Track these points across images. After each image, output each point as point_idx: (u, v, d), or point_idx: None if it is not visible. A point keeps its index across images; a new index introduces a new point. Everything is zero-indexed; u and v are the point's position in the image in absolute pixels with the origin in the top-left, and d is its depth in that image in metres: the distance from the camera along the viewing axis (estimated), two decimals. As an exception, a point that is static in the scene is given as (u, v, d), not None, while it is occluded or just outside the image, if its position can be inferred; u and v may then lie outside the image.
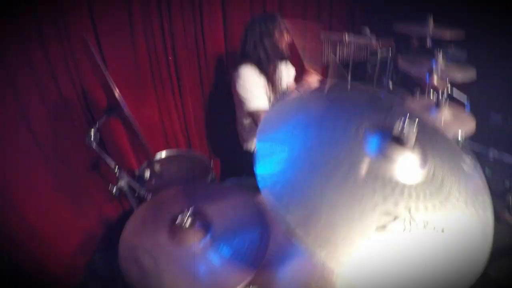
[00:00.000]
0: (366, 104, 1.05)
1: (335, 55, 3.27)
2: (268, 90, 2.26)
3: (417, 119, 0.80)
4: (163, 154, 2.21)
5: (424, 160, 0.84)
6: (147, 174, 1.87)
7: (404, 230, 0.70)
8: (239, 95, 2.16)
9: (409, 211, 0.73)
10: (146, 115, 2.29)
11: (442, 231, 0.74)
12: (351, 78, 3.31)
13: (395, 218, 0.71)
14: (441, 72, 2.13)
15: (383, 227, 0.70)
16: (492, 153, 2.39)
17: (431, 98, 2.11)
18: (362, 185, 0.75)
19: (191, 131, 2.60)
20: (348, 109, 1.01)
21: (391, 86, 2.82)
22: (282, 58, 2.31)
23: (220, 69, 2.66)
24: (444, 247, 0.73)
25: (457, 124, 1.73)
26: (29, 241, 1.75)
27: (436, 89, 2.09)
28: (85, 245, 2.07)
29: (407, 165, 0.80)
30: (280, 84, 2.35)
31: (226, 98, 2.55)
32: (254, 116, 2.15)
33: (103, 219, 2.21)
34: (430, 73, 2.04)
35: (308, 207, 0.71)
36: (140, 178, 1.94)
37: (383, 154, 0.81)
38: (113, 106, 1.53)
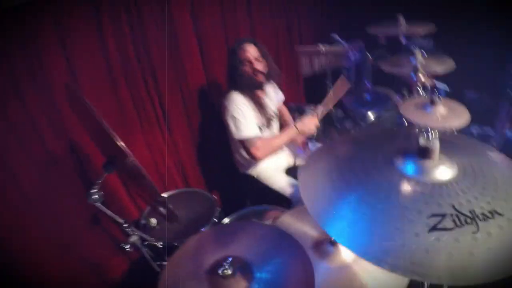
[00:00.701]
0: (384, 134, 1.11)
1: (313, 66, 3.32)
2: (258, 116, 2.25)
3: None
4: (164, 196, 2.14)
5: (452, 162, 0.93)
6: (154, 221, 1.80)
7: (455, 225, 0.76)
8: (228, 124, 2.15)
9: (453, 207, 0.79)
10: (137, 156, 2.19)
11: (493, 215, 0.78)
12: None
13: (443, 216, 0.77)
14: (423, 68, 2.17)
15: (434, 227, 0.75)
16: (475, 130, 2.45)
17: (422, 95, 2.14)
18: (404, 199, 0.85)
19: (185, 166, 2.54)
20: (370, 143, 1.08)
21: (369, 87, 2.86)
22: (255, 85, 2.26)
23: (204, 98, 2.64)
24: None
25: (453, 117, 1.75)
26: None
27: (424, 86, 2.13)
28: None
29: (439, 170, 0.90)
30: (268, 109, 2.35)
31: (215, 127, 2.52)
32: (245, 145, 2.13)
33: (114, 275, 2.11)
34: (416, 71, 2.07)
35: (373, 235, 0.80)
36: (145, 227, 1.87)
37: (417, 171, 0.91)
38: (113, 159, 1.46)
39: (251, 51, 2.19)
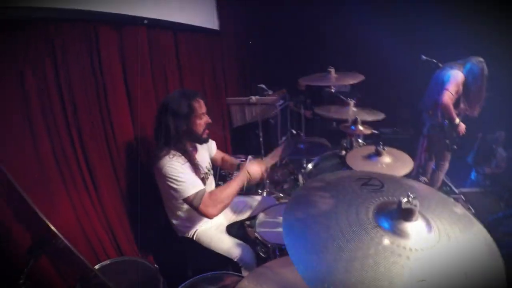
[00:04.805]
0: (358, 186, 1.08)
1: (245, 117, 3.34)
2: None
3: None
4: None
5: (429, 224, 0.91)
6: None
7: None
8: (171, 188, 1.95)
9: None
10: (62, 223, 1.86)
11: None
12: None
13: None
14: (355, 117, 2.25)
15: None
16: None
17: (361, 144, 2.22)
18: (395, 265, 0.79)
19: (116, 231, 2.24)
20: (345, 195, 1.04)
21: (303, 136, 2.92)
22: (201, 141, 2.20)
23: (133, 156, 2.43)
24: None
25: (399, 165, 1.81)
26: None
27: (360, 135, 2.20)
28: None
29: (419, 234, 0.87)
30: (201, 168, 2.20)
31: (147, 187, 2.30)
32: (193, 204, 1.93)
33: None
34: (355, 123, 2.13)
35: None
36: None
37: (397, 232, 0.87)
38: (40, 240, 1.21)
39: (203, 106, 2.13)
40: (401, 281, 0.76)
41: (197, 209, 1.93)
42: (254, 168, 2.13)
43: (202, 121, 2.12)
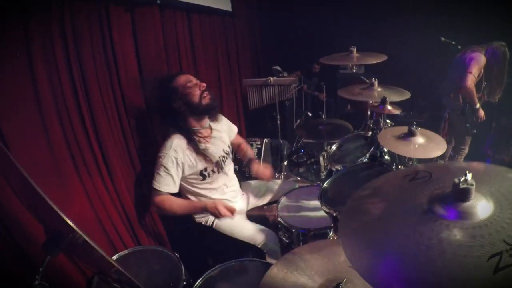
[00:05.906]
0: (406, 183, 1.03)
1: (262, 98, 3.26)
2: (201, 161, 2.06)
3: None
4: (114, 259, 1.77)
5: (485, 195, 0.85)
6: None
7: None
8: (154, 169, 2.01)
9: (505, 241, 0.73)
10: (77, 213, 1.79)
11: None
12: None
13: (500, 254, 0.71)
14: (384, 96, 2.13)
15: (497, 268, 0.69)
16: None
17: (388, 125, 2.12)
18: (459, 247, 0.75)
19: (133, 219, 2.17)
20: (395, 195, 1.01)
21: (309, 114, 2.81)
22: (207, 111, 2.09)
23: (147, 138, 2.37)
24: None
25: (432, 146, 1.73)
26: None
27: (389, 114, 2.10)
28: None
29: (479, 209, 0.82)
30: (214, 154, 2.14)
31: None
32: (151, 190, 2.01)
33: None
34: (384, 102, 2.03)
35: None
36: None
37: (456, 215, 0.82)
38: (56, 235, 1.12)
39: (189, 77, 2.06)
40: (473, 261, 0.71)
41: (150, 199, 2.03)
42: (218, 207, 1.94)
43: (192, 90, 2.04)
